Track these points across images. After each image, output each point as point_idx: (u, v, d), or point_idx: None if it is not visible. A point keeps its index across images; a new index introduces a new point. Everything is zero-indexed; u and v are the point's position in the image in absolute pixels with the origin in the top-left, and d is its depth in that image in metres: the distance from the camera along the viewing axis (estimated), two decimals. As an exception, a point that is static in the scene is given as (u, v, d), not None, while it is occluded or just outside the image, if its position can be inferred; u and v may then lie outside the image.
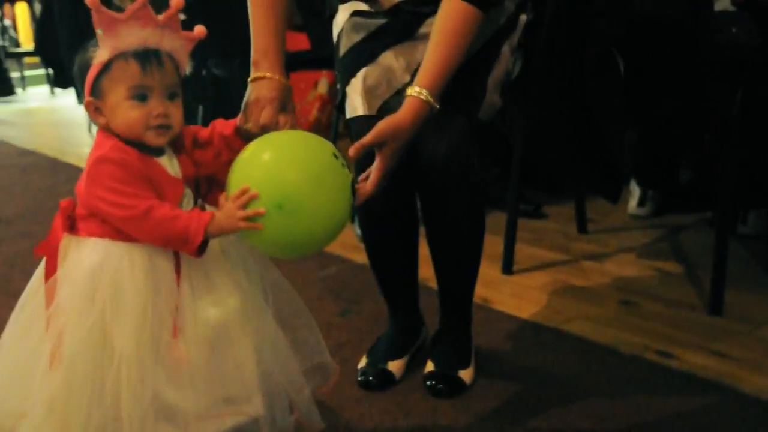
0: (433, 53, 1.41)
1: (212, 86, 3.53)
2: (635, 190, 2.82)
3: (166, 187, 1.19)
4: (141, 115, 1.16)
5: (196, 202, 1.26)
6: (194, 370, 1.18)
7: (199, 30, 1.22)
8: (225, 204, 1.16)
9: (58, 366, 1.13)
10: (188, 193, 1.24)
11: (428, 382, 1.67)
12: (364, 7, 1.57)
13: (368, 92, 1.54)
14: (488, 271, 2.31)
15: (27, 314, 1.21)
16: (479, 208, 1.64)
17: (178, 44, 1.19)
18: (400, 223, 1.69)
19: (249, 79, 1.40)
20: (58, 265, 1.17)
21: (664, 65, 2.15)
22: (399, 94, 1.48)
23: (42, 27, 4.72)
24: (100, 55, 1.15)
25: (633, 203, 2.81)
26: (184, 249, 1.17)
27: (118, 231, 1.16)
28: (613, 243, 2.56)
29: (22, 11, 6.85)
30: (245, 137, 1.29)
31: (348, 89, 1.58)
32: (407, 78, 1.51)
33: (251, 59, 1.42)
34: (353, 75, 1.55)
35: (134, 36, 1.14)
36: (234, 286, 1.24)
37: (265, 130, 1.31)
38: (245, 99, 1.37)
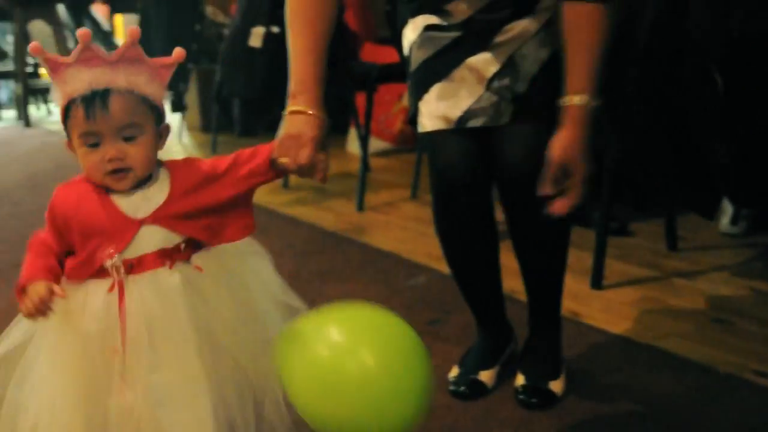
0: (575, 57, 1.41)
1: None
2: (727, 208, 2.77)
3: (110, 222, 1.15)
4: (95, 161, 1.13)
5: (190, 244, 1.20)
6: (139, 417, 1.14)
7: (178, 53, 1.17)
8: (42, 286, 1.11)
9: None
10: (155, 233, 1.17)
11: (520, 396, 1.68)
12: (435, 20, 1.55)
13: (443, 107, 1.53)
14: (577, 285, 2.30)
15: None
16: (564, 217, 1.61)
17: (142, 77, 1.14)
18: (480, 235, 1.67)
19: (287, 110, 1.33)
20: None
21: (766, 83, 2.11)
22: (476, 102, 1.51)
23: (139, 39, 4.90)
24: (57, 100, 1.14)
25: (725, 221, 2.76)
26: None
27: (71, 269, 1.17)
28: (705, 261, 2.51)
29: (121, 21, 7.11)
30: (279, 170, 1.27)
31: (421, 104, 1.57)
32: (481, 90, 1.51)
33: (289, 89, 1.35)
34: (426, 90, 1.55)
35: (80, 79, 1.11)
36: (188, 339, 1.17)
37: (301, 169, 1.27)
38: (282, 131, 1.30)
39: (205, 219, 1.21)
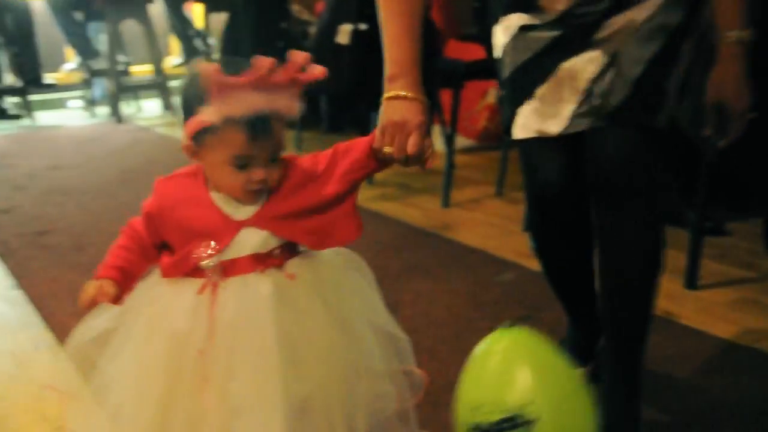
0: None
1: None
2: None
3: (211, 222, 1.15)
4: (240, 182, 1.11)
5: (285, 250, 1.19)
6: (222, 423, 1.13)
7: (320, 71, 1.13)
8: (102, 284, 1.21)
9: None
10: (253, 235, 1.16)
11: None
12: (529, 19, 1.44)
13: (539, 120, 1.44)
14: (671, 285, 2.25)
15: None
16: (656, 232, 1.49)
17: (292, 100, 1.11)
18: (574, 235, 1.59)
19: (386, 96, 1.26)
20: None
21: None
22: (573, 116, 1.41)
23: (228, 36, 5.00)
24: (207, 114, 1.08)
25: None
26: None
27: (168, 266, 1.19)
28: (806, 262, 2.44)
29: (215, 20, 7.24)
30: (383, 161, 1.22)
31: (520, 110, 1.47)
32: (579, 99, 1.40)
33: (386, 72, 1.28)
34: (521, 101, 1.45)
35: (245, 103, 1.06)
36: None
37: (409, 158, 1.20)
38: (384, 118, 1.23)
39: (308, 221, 1.18)
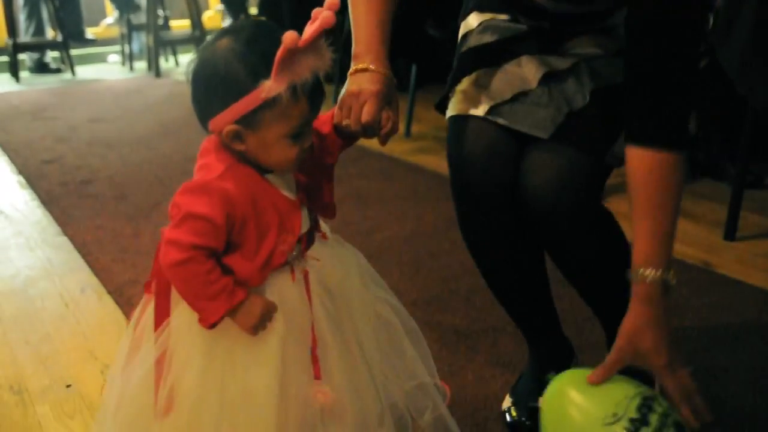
0: (643, 220, 1.12)
1: (426, 46, 3.61)
2: None
3: (281, 208, 1.07)
4: (294, 153, 1.04)
5: (312, 220, 1.13)
6: (341, 413, 1.10)
7: (325, 17, 1.00)
8: (261, 299, 1.05)
9: (172, 414, 1.07)
10: (304, 213, 1.11)
11: None
12: (505, 16, 1.36)
13: (479, 93, 1.31)
14: (710, 236, 2.26)
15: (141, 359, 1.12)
16: (618, 241, 1.33)
17: (328, 56, 1.02)
18: (517, 242, 1.36)
19: (349, 72, 1.20)
20: (172, 307, 1.09)
21: None
22: (515, 101, 1.28)
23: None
24: (272, 89, 0.97)
25: None
26: (198, 313, 1.04)
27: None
28: None
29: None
30: (343, 135, 1.17)
31: (458, 88, 1.35)
32: (534, 84, 1.26)
33: (352, 51, 1.22)
34: (467, 74, 1.34)
35: (305, 65, 0.98)
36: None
37: (365, 128, 1.14)
38: (342, 92, 1.18)
39: (319, 194, 1.15)
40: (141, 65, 6.39)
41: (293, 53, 0.96)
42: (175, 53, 6.57)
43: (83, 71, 6.24)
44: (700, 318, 1.78)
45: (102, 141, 3.76)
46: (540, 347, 1.49)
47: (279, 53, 0.95)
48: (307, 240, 1.12)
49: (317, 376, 1.08)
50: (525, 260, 1.39)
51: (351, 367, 1.12)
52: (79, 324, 1.92)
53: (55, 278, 2.19)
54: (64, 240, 2.47)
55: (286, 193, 1.08)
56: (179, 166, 3.28)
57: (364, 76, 1.17)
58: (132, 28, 6.19)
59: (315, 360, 1.08)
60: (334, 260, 1.16)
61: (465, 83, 1.34)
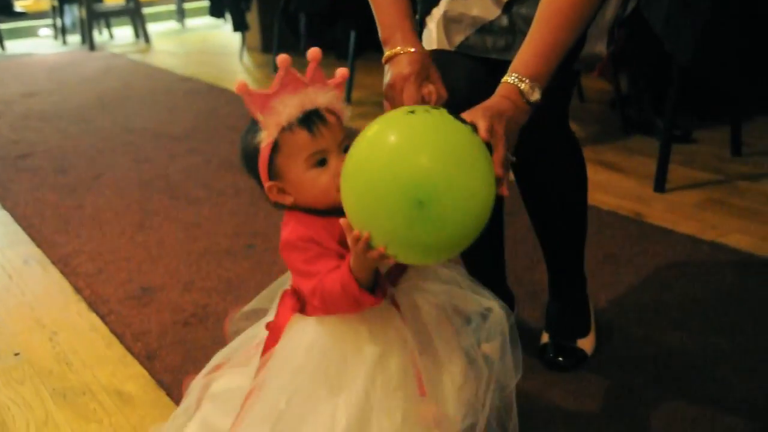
0: (534, 33, 1.17)
1: (366, 12, 3.62)
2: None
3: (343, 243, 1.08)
4: (328, 179, 1.07)
5: None
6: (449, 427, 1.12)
7: (342, 72, 1.10)
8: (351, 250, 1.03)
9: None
10: None
11: (546, 355, 1.51)
12: None
13: (448, 25, 1.36)
14: (640, 188, 2.35)
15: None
16: (579, 168, 1.43)
17: (330, 95, 1.09)
18: None
19: (383, 60, 1.24)
20: (279, 343, 1.14)
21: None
22: (483, 31, 1.33)
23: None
24: (266, 136, 1.07)
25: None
26: (365, 304, 1.06)
27: None
28: (770, 165, 2.52)
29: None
30: None
31: (427, 19, 1.40)
32: (497, 12, 1.31)
33: (380, 37, 1.27)
34: (435, 4, 1.38)
35: (290, 105, 1.06)
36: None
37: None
38: (385, 83, 1.22)
39: None
40: (74, 39, 6.25)
41: (260, 99, 1.05)
42: (109, 26, 6.44)
43: (13, 46, 6.08)
44: (632, 265, 1.86)
45: (37, 115, 3.69)
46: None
47: (245, 102, 1.04)
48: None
49: (422, 393, 1.10)
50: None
51: (442, 381, 1.14)
52: (24, 294, 1.91)
53: (-3, 251, 2.18)
54: (3, 213, 2.44)
55: None
56: (119, 138, 3.25)
57: (395, 62, 1.22)
58: (63, 1, 6.04)
59: (418, 376, 1.11)
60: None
61: (433, 14, 1.37)
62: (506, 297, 1.57)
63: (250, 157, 1.11)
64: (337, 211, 1.07)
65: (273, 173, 1.09)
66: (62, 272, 2.01)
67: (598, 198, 2.25)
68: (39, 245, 2.18)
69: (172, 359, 1.57)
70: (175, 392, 1.44)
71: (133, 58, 5.28)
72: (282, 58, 1.05)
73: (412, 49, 1.21)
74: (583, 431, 1.30)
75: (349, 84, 3.65)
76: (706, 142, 2.75)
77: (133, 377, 1.54)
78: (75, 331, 1.73)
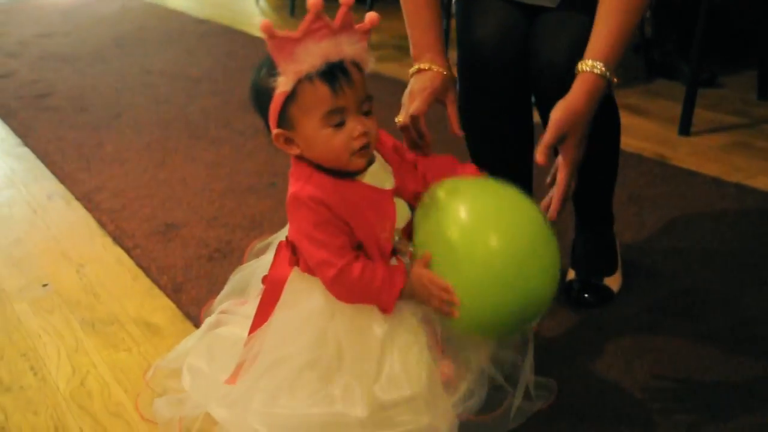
0: (604, 19, 1.19)
1: None
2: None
3: (377, 202, 1.09)
4: (342, 141, 1.04)
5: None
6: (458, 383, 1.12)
7: (371, 18, 1.05)
8: (420, 272, 1.05)
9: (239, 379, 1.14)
10: (401, 204, 1.13)
11: (572, 293, 1.50)
12: None
13: None
14: (664, 132, 2.33)
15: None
16: (612, 109, 1.41)
17: (358, 46, 1.03)
18: (514, 125, 1.45)
19: (410, 74, 1.31)
20: (281, 299, 1.14)
21: None
22: None
23: None
24: (283, 83, 1.01)
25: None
26: (384, 311, 1.09)
27: None
28: (796, 109, 2.49)
29: None
30: (411, 145, 1.25)
31: None
32: None
33: (411, 54, 1.33)
34: None
35: (313, 54, 0.99)
36: None
37: (413, 119, 1.23)
38: (405, 93, 1.29)
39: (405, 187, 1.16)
40: (88, -19, 6.19)
41: (284, 43, 0.99)
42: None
43: (28, -12, 6.03)
44: (657, 206, 1.85)
45: (55, 56, 3.67)
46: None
47: (268, 45, 0.99)
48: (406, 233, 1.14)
49: (440, 351, 1.11)
50: (518, 146, 1.47)
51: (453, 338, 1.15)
52: (50, 228, 1.93)
53: (21, 186, 2.18)
54: (26, 150, 2.45)
55: (376, 185, 1.10)
56: (137, 79, 3.23)
57: (419, 77, 1.30)
58: (76, -58, 5.96)
59: (436, 337, 1.12)
60: None
61: None
62: None
63: (260, 95, 1.07)
64: (346, 173, 1.07)
65: (284, 121, 1.05)
66: (86, 208, 2.02)
67: (621, 141, 2.23)
68: (62, 181, 2.19)
69: (198, 292, 1.58)
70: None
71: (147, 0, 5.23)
72: (314, 2, 0.98)
73: (437, 68, 1.29)
74: (608, 368, 1.31)
75: (368, 27, 3.61)
76: (732, 86, 2.71)
77: (160, 309, 1.56)
78: (101, 264, 1.74)
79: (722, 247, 1.66)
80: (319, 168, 1.07)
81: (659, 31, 2.89)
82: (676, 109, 2.36)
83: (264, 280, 1.20)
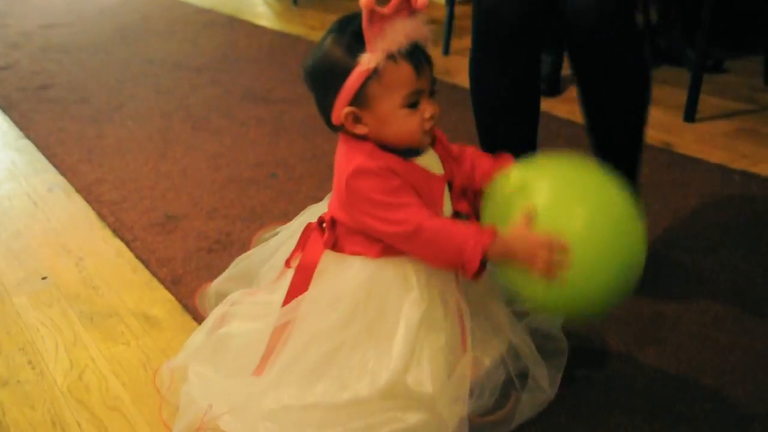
0: None
1: None
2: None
3: (429, 186, 1.09)
4: (417, 122, 1.04)
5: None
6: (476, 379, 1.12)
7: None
8: (523, 230, 0.99)
9: (266, 373, 1.12)
10: (447, 194, 1.13)
11: None
12: None
13: None
14: (669, 119, 2.30)
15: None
16: (644, 65, 1.38)
17: (427, 26, 1.03)
18: (522, 90, 1.44)
19: None
20: (313, 281, 1.12)
21: None
22: None
23: None
24: (370, 60, 0.99)
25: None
26: (458, 269, 1.05)
27: (386, 247, 1.07)
28: (803, 95, 2.46)
29: None
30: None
31: None
32: None
33: None
34: None
35: (400, 33, 0.99)
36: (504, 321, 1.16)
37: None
38: None
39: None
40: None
41: (378, 19, 0.97)
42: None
43: (31, -21, 6.02)
44: (662, 193, 1.83)
45: (57, 47, 3.66)
46: None
47: (363, 19, 0.97)
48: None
49: (465, 349, 1.10)
50: (529, 112, 1.46)
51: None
52: (50, 221, 1.92)
53: (21, 179, 2.17)
54: (27, 143, 2.44)
55: (430, 169, 1.09)
56: (139, 69, 3.22)
57: None
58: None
59: (463, 332, 1.11)
60: None
61: None
62: None
63: (329, 73, 1.04)
64: (410, 152, 1.07)
65: (360, 100, 1.03)
66: (86, 200, 2.01)
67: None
68: (62, 173, 2.18)
69: (198, 284, 1.57)
70: (201, 316, 1.45)
71: (151, -10, 5.21)
72: None
73: None
74: (611, 358, 1.29)
75: (371, 15, 3.58)
76: (738, 72, 2.68)
77: (160, 301, 1.54)
78: (100, 256, 1.73)
79: (727, 235, 1.64)
80: (377, 146, 1.07)
81: (665, 18, 2.86)
82: (682, 96, 2.33)
83: (288, 262, 1.18)
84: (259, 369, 1.14)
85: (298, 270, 1.13)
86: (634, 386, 1.22)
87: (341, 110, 1.04)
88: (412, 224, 1.02)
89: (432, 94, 1.06)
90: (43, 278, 1.65)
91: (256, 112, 2.57)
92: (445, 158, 1.14)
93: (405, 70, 1.01)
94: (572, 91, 2.58)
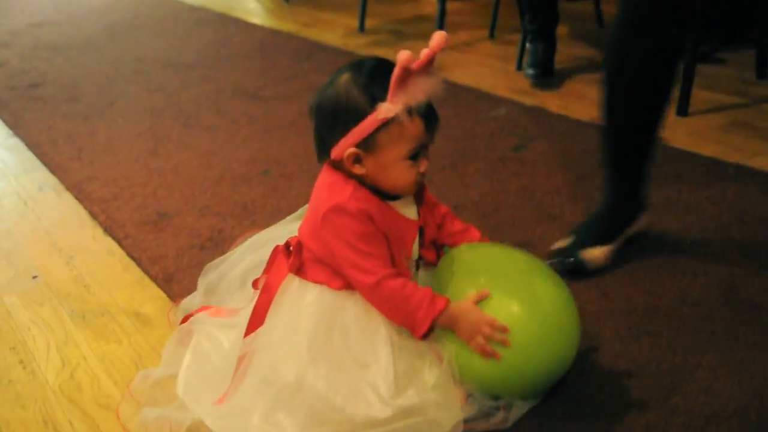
0: None
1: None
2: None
3: (401, 229, 1.14)
4: (413, 175, 1.10)
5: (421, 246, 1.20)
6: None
7: (439, 41, 1.06)
8: (472, 306, 1.08)
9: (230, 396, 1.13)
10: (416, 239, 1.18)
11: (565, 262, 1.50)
12: None
13: None
14: (662, 112, 2.30)
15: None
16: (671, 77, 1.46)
17: (441, 87, 1.07)
18: (661, 81, 1.47)
19: None
20: (273, 301, 1.15)
21: None
22: None
23: None
24: (389, 110, 1.03)
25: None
26: (408, 328, 1.11)
27: (348, 283, 1.12)
28: (796, 88, 2.46)
29: None
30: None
31: None
32: None
33: None
34: None
35: (421, 89, 1.03)
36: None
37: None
38: None
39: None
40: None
41: (408, 74, 1.01)
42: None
43: (20, -22, 5.98)
44: (655, 187, 1.82)
45: (46, 45, 3.64)
46: (620, 195, 1.56)
47: (395, 72, 1.00)
48: (416, 266, 1.21)
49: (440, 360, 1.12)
50: (663, 102, 1.49)
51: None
52: (40, 220, 1.90)
53: (11, 178, 2.16)
54: (17, 141, 2.42)
55: (405, 214, 1.15)
56: (129, 67, 3.20)
57: None
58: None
59: (437, 353, 1.13)
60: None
61: None
62: (637, 204, 1.58)
63: (341, 111, 1.07)
64: (385, 195, 1.12)
65: (367, 144, 1.07)
66: (77, 198, 2.00)
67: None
68: (53, 172, 2.17)
69: (190, 282, 1.56)
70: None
71: (141, -12, 5.19)
72: (441, 36, 1.04)
73: None
74: (604, 352, 1.29)
75: (362, 12, 3.57)
76: (731, 65, 2.68)
77: (151, 299, 1.53)
78: (92, 254, 1.72)
79: (721, 228, 1.64)
80: (362, 185, 1.11)
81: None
82: (674, 90, 2.32)
83: (255, 284, 1.22)
84: (222, 397, 1.14)
85: (262, 292, 1.17)
86: (628, 379, 1.21)
87: (345, 149, 1.08)
88: (375, 278, 1.08)
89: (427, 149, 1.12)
90: (34, 277, 1.64)
91: (248, 109, 2.56)
92: (423, 206, 1.20)
93: (417, 125, 1.06)
94: (567, 86, 2.58)
